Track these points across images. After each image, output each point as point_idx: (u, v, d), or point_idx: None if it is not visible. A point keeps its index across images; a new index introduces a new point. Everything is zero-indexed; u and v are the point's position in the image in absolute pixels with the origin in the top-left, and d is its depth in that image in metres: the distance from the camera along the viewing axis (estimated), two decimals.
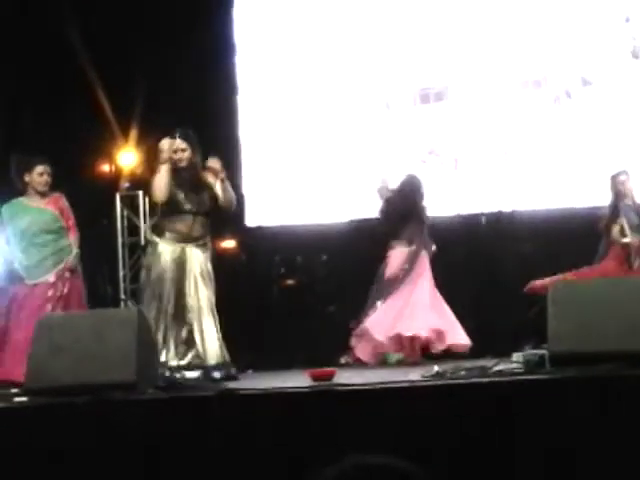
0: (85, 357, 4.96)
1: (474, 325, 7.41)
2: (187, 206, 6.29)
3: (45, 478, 4.38)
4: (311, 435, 4.22)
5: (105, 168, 9.63)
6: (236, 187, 8.28)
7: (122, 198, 9.24)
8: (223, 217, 6.61)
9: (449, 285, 7.48)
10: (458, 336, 7.21)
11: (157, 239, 6.29)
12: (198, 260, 6.29)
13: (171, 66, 8.62)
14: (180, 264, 6.23)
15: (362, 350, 7.33)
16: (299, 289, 8.98)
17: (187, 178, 6.31)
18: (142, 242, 9.22)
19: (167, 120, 8.17)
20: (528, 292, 6.91)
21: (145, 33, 8.61)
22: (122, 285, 9.19)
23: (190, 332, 6.18)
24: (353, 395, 4.57)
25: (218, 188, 6.32)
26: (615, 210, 7.20)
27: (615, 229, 7.11)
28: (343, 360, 7.42)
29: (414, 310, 7.25)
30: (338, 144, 8.87)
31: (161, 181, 6.22)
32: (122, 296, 9.17)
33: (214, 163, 6.36)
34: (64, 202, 6.73)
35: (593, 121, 8.61)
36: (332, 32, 8.98)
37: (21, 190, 6.66)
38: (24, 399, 5.18)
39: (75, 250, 6.65)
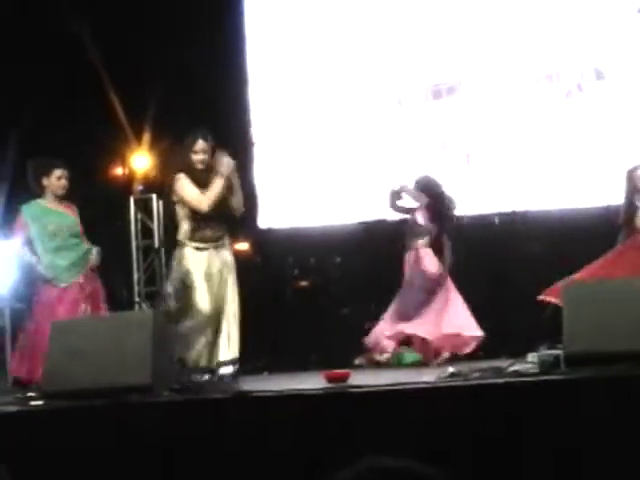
0: (101, 360, 4.98)
1: (488, 326, 7.40)
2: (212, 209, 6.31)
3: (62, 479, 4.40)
4: (326, 437, 4.23)
5: (119, 171, 9.67)
6: (249, 188, 8.30)
7: (136, 201, 9.26)
8: (236, 219, 6.62)
9: (463, 285, 7.47)
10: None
11: (190, 244, 6.24)
12: (228, 263, 6.32)
13: (183, 69, 8.65)
14: (214, 268, 6.24)
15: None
16: (313, 291, 8.98)
17: (204, 180, 6.32)
18: (156, 245, 9.25)
19: (180, 124, 8.21)
20: (545, 298, 6.85)
21: (157, 35, 8.64)
22: (136, 288, 9.21)
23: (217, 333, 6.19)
24: (368, 397, 4.58)
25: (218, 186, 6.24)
26: (632, 203, 7.15)
27: (639, 218, 7.05)
28: (357, 361, 7.42)
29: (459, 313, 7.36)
30: (350, 143, 8.86)
31: (215, 195, 6.19)
32: (137, 299, 9.19)
33: (223, 163, 6.31)
34: (76, 209, 6.78)
35: (606, 115, 8.57)
36: (343, 30, 8.97)
37: (38, 194, 6.65)
38: (40, 402, 5.21)
39: (96, 247, 6.69)
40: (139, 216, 9.26)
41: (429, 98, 8.90)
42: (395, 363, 7.31)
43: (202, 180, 6.30)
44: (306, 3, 9.13)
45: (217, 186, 6.22)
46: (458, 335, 7.32)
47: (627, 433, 4.02)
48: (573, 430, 4.08)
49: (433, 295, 7.44)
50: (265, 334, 7.42)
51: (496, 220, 8.64)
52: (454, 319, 7.37)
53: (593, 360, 4.42)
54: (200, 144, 6.33)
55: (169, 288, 6.33)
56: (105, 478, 4.39)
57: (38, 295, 6.53)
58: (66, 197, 6.73)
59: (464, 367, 5.32)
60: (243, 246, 9.02)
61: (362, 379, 5.31)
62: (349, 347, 7.64)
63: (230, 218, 6.45)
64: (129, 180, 9.54)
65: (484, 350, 7.29)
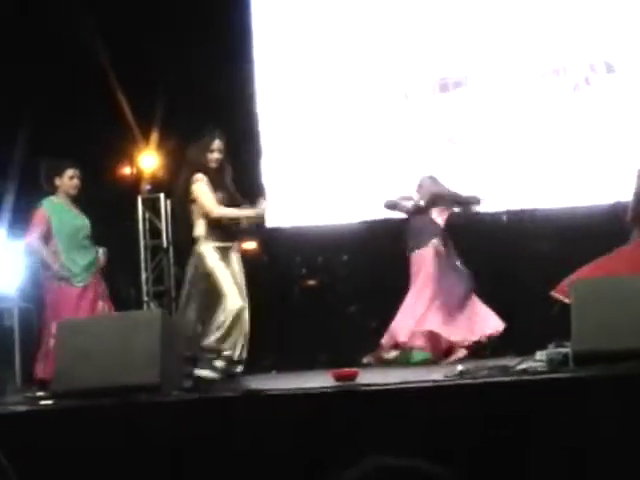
0: (109, 359, 4.99)
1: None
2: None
3: (71, 479, 4.41)
4: (335, 435, 4.23)
5: (126, 171, 9.67)
6: (256, 187, 8.31)
7: (144, 201, 9.26)
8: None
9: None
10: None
11: (208, 241, 6.28)
12: (240, 262, 6.40)
13: (190, 68, 8.65)
14: (233, 265, 6.31)
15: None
16: (320, 289, 8.98)
17: (217, 179, 6.35)
18: (164, 244, 9.25)
19: (187, 123, 8.20)
20: (556, 295, 6.82)
21: (164, 34, 8.64)
22: (144, 287, 9.22)
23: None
24: (376, 395, 4.58)
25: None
26: None
27: None
28: (365, 360, 7.41)
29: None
30: (357, 140, 8.84)
31: (230, 216, 6.31)
32: (145, 298, 9.20)
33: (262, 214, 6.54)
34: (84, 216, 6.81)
35: (616, 110, 8.53)
36: (350, 25, 8.94)
37: (50, 193, 6.63)
38: (49, 402, 5.22)
39: (102, 248, 6.69)
40: (147, 216, 9.27)
41: (436, 92, 8.88)
42: (403, 361, 7.30)
43: (215, 179, 6.35)
44: None
45: (238, 213, 6.33)
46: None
47: (636, 431, 4.01)
48: (581, 428, 4.07)
49: (461, 294, 7.45)
50: (273, 333, 7.43)
51: (504, 218, 8.62)
52: (484, 323, 7.39)
53: (602, 358, 4.41)
54: (217, 143, 6.39)
55: (187, 290, 6.34)
56: (114, 477, 4.40)
57: (53, 295, 6.45)
58: (77, 197, 6.73)
59: (472, 365, 5.32)
60: (250, 245, 9.02)
61: (370, 378, 5.31)
62: (357, 346, 7.64)
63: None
64: (137, 180, 9.53)
65: (492, 348, 7.28)
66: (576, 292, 4.82)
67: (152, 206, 9.29)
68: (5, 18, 8.30)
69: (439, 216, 7.64)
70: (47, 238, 6.50)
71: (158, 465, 4.44)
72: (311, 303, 8.66)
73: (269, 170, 8.95)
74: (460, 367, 5.18)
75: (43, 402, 5.27)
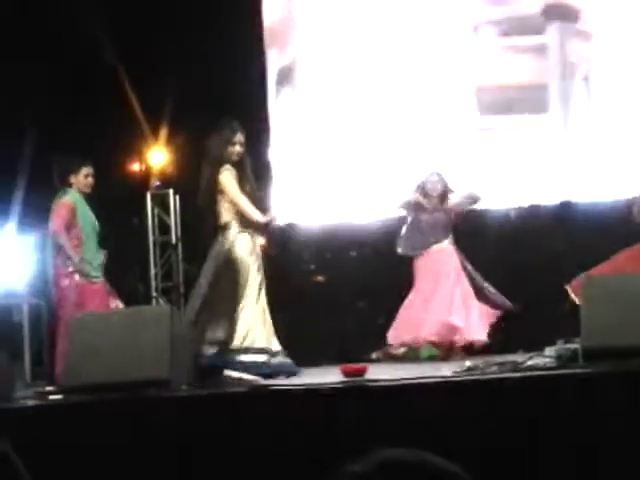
0: (119, 355, 5.00)
1: (506, 319, 7.38)
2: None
3: (80, 474, 4.42)
4: (343, 430, 4.23)
5: (135, 167, 9.67)
6: (266, 184, 8.31)
7: (153, 197, 9.27)
8: None
9: (483, 277, 7.46)
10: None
11: (235, 226, 6.33)
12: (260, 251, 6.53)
13: (200, 63, 8.64)
14: (257, 249, 6.43)
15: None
16: (329, 285, 8.97)
17: (238, 172, 6.39)
18: (173, 240, 9.26)
19: (197, 119, 8.20)
20: (571, 292, 6.79)
21: (173, 30, 8.64)
22: (154, 283, 9.23)
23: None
24: (385, 391, 4.58)
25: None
26: None
27: None
28: (374, 356, 7.41)
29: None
30: (368, 138, 8.82)
31: (247, 212, 6.35)
32: (154, 294, 9.21)
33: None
34: None
35: (622, 106, 8.48)
36: (364, 21, 8.91)
37: (61, 191, 6.63)
38: (58, 397, 5.24)
39: (104, 250, 6.72)
40: (156, 211, 9.28)
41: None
42: (412, 357, 7.29)
43: (237, 172, 6.39)
44: None
45: (252, 213, 6.33)
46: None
47: None
48: (590, 424, 4.06)
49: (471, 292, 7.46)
50: (281, 328, 7.41)
51: (512, 214, 8.60)
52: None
53: (611, 354, 4.41)
54: (239, 136, 6.43)
55: (207, 277, 6.36)
56: (122, 471, 4.41)
57: (74, 291, 6.42)
58: (90, 196, 6.75)
59: (481, 361, 5.31)
60: (259, 241, 9.02)
61: (379, 373, 5.30)
62: (366, 341, 7.63)
63: None
64: (146, 176, 9.54)
65: (501, 344, 7.27)
66: (586, 288, 4.81)
67: (161, 202, 9.30)
68: (10, 16, 8.32)
69: (448, 213, 7.62)
70: (69, 228, 6.51)
71: (166, 459, 4.45)
72: (320, 299, 8.65)
73: (279, 166, 8.95)
74: (468, 363, 5.18)
75: (52, 397, 5.29)
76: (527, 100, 8.64)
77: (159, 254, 9.31)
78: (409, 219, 7.68)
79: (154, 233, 9.29)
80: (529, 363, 4.95)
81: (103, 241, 6.85)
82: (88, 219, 6.62)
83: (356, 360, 6.13)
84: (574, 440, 4.06)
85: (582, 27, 8.59)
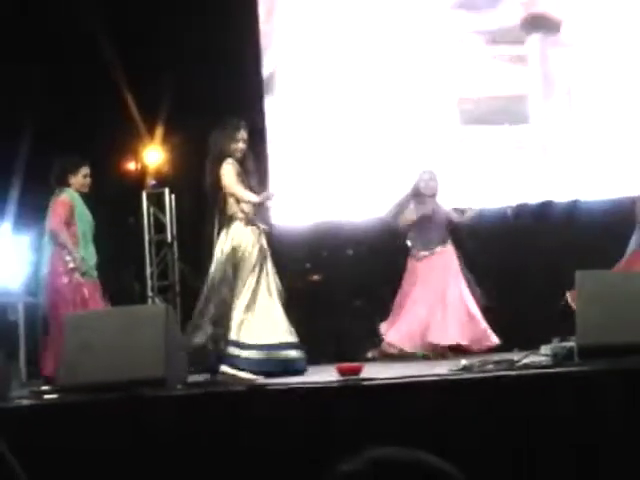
0: (114, 354, 5.00)
1: (502, 318, 7.38)
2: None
3: (76, 473, 4.42)
4: (339, 429, 4.23)
5: (131, 166, 9.67)
6: (263, 182, 8.30)
7: (148, 196, 9.27)
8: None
9: (476, 279, 7.46)
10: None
11: (240, 218, 6.33)
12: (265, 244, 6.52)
13: (196, 62, 8.64)
14: (261, 241, 6.43)
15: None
16: (325, 284, 8.97)
17: (241, 169, 6.40)
18: (169, 239, 9.26)
19: (192, 118, 8.20)
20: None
21: (169, 29, 8.63)
22: (149, 282, 9.23)
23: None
24: (381, 389, 4.58)
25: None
26: None
27: None
28: (370, 355, 7.41)
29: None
30: (363, 137, 8.82)
31: (243, 199, 6.35)
32: (149, 293, 9.21)
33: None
34: None
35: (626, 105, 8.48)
36: (357, 22, 8.90)
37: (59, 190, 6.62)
38: (54, 396, 5.23)
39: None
40: (152, 210, 9.28)
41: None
42: (408, 356, 7.29)
43: (240, 169, 6.40)
44: None
45: (249, 197, 6.32)
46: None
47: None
48: (586, 422, 4.07)
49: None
50: None
51: (509, 212, 8.61)
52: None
53: (606, 352, 4.41)
54: (241, 133, 6.43)
55: (218, 273, 6.35)
56: (119, 471, 4.41)
57: (71, 289, 6.43)
58: (86, 196, 6.75)
59: (476, 360, 5.31)
60: (263, 230, 9.00)
61: (375, 372, 5.30)
62: (361, 340, 7.64)
63: None
64: (141, 175, 9.54)
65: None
66: (580, 286, 4.81)
67: (157, 201, 9.30)
68: (7, 14, 8.30)
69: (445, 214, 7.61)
70: (66, 226, 6.50)
71: (162, 459, 4.44)
72: (316, 298, 8.65)
73: (275, 165, 8.95)
74: (464, 362, 5.18)
75: (48, 397, 5.28)
76: (508, 111, 8.64)
77: (155, 253, 9.30)
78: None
79: (150, 232, 9.29)
80: (525, 361, 4.95)
81: (99, 240, 6.84)
82: (85, 218, 6.62)
83: (353, 359, 6.13)
84: (570, 438, 4.07)
85: (563, 38, 8.60)
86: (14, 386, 6.00)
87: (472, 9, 8.77)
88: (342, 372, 5.18)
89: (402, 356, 7.30)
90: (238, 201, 6.38)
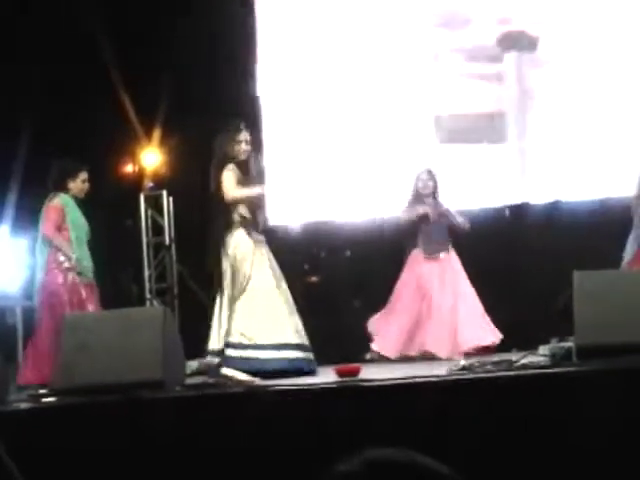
0: (112, 356, 5.00)
1: (500, 319, 7.38)
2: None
3: (74, 476, 4.41)
4: (337, 431, 4.23)
5: (129, 168, 9.67)
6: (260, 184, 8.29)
7: (146, 198, 9.27)
8: None
9: (474, 279, 7.46)
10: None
11: (242, 228, 6.32)
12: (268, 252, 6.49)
13: (192, 65, 8.64)
14: (262, 252, 6.40)
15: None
16: (323, 285, 8.97)
17: (245, 171, 6.40)
18: (166, 242, 9.25)
19: (190, 120, 8.20)
20: None
21: (166, 31, 8.63)
22: (147, 285, 9.23)
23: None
24: (379, 391, 4.58)
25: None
26: None
27: None
28: (368, 356, 7.41)
29: None
30: (360, 137, 8.82)
31: (244, 196, 6.35)
32: (147, 295, 9.21)
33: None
34: None
35: (617, 107, 8.48)
36: (352, 22, 8.90)
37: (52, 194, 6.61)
38: (52, 399, 5.22)
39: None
40: (149, 213, 9.28)
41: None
42: (407, 357, 7.28)
43: (244, 171, 6.41)
44: None
45: (249, 192, 6.34)
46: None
47: (639, 424, 4.00)
48: (585, 422, 4.06)
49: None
50: None
51: (507, 212, 8.61)
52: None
53: (605, 352, 4.41)
54: (244, 134, 6.43)
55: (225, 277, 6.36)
56: (117, 473, 4.40)
57: (67, 289, 6.42)
58: (83, 200, 6.75)
59: (475, 360, 5.31)
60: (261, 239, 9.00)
61: (373, 373, 5.30)
62: (360, 342, 7.63)
63: None
64: (139, 177, 9.53)
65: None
66: (578, 286, 4.80)
67: (154, 203, 9.29)
68: (4, 14, 8.30)
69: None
70: (58, 231, 6.52)
71: (161, 461, 4.44)
72: (313, 299, 8.65)
73: (271, 165, 8.94)
74: (463, 362, 5.18)
75: (45, 400, 5.27)
76: (486, 129, 8.65)
77: (153, 255, 9.30)
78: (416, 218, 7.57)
79: (148, 234, 9.29)
80: (523, 362, 4.95)
81: (96, 242, 6.85)
82: (78, 222, 6.63)
83: (350, 361, 6.12)
84: (568, 438, 4.07)
85: (540, 56, 8.60)
86: (12, 389, 6.00)
87: (450, 27, 8.78)
88: (340, 373, 5.18)
89: (401, 357, 7.30)
90: (238, 208, 6.38)
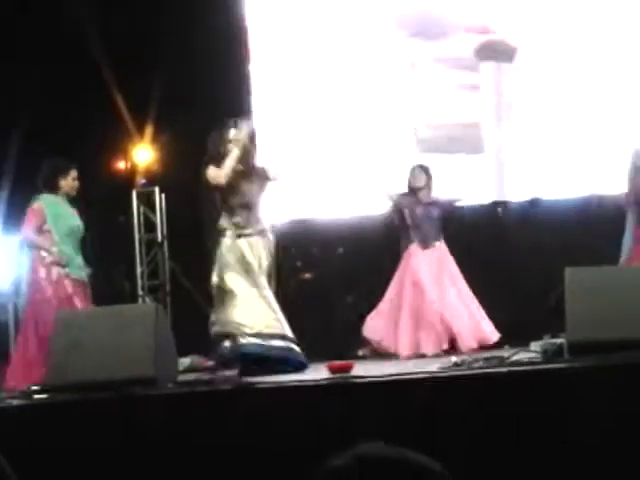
0: (104, 353, 5.00)
1: (491, 316, 7.39)
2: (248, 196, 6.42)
3: (67, 473, 4.41)
4: (330, 427, 4.23)
5: (121, 165, 9.65)
6: None
7: (138, 195, 9.25)
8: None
9: (467, 276, 7.47)
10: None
11: (227, 232, 6.30)
12: (262, 250, 6.44)
13: (185, 61, 8.63)
14: (250, 257, 6.36)
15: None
16: (316, 282, 8.97)
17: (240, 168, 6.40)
18: (159, 238, 9.24)
19: (182, 117, 8.20)
20: None
21: (158, 27, 8.62)
22: (140, 281, 9.22)
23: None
24: (371, 387, 4.58)
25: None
26: None
27: None
28: (361, 352, 7.42)
29: None
30: (352, 134, 8.82)
31: (229, 166, 6.29)
32: (140, 292, 9.20)
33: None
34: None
35: (608, 104, 8.49)
36: (345, 18, 8.90)
37: (46, 192, 6.58)
38: (44, 396, 5.22)
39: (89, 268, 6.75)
40: (142, 209, 9.26)
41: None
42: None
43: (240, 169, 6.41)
44: None
45: (232, 158, 6.29)
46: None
47: (630, 421, 4.02)
48: (576, 418, 4.08)
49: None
50: None
51: (499, 210, 8.62)
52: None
53: (596, 348, 4.42)
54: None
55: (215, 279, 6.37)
56: (109, 470, 4.40)
57: (50, 284, 6.42)
58: (74, 198, 6.73)
59: (467, 357, 5.32)
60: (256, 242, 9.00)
61: (365, 370, 5.31)
62: (352, 338, 7.64)
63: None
64: (131, 174, 9.52)
65: None
66: (570, 282, 4.81)
67: (147, 200, 9.28)
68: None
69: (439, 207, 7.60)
70: (40, 232, 6.49)
71: (153, 458, 4.44)
72: (306, 296, 8.65)
73: (262, 163, 8.94)
74: (455, 358, 5.19)
75: (37, 396, 5.27)
76: (464, 139, 8.66)
77: (145, 252, 9.29)
78: (406, 212, 7.56)
79: (140, 231, 9.27)
80: (515, 358, 4.96)
81: (89, 239, 6.83)
82: (63, 221, 6.58)
83: (343, 357, 6.13)
84: (560, 434, 4.07)
85: (517, 66, 8.61)
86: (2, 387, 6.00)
87: (427, 37, 8.79)
88: (333, 370, 5.18)
89: (392, 354, 7.30)
90: (229, 205, 6.36)
